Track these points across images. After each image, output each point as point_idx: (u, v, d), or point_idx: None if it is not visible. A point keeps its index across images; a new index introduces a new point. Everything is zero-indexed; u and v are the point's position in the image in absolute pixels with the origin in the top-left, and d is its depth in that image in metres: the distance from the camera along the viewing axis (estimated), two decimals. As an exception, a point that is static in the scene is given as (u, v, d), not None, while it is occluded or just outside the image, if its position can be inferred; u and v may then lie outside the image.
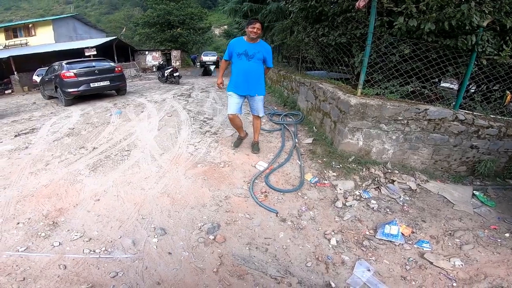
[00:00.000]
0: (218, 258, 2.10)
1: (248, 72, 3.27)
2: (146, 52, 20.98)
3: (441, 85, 4.84)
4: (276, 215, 2.61)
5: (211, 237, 2.30)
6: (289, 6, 5.11)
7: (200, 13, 25.16)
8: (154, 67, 16.90)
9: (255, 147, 3.82)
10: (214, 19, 47.37)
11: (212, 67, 17.24)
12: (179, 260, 2.07)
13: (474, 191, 3.17)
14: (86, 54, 14.04)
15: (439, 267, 2.12)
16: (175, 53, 22.10)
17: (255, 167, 3.43)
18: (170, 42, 22.96)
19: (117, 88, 8.34)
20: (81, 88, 7.31)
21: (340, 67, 4.48)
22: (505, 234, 2.58)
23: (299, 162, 3.52)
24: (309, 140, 4.10)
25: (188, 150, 3.91)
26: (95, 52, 14.38)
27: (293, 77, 5.88)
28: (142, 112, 6.19)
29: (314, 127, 4.46)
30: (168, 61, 21.11)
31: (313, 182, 3.14)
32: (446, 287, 2.00)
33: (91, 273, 1.92)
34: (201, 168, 3.40)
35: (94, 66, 7.85)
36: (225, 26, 43.10)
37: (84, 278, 1.88)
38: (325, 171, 3.33)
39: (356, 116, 3.29)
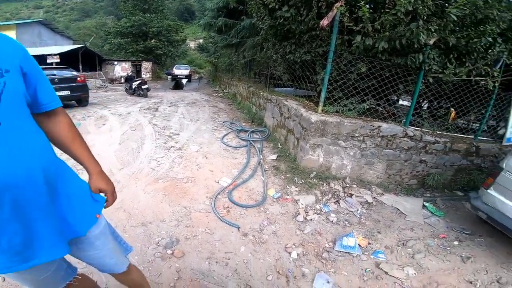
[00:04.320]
0: (176, 272, 2.04)
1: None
2: (115, 62, 20.17)
3: (400, 103, 5.23)
4: (238, 230, 2.60)
5: (169, 251, 2.24)
6: (260, 23, 5.23)
7: (176, 26, 24.98)
8: (122, 78, 16.17)
9: None
10: (190, 32, 47.43)
11: (184, 81, 17.06)
12: (133, 274, 1.97)
13: (424, 203, 3.36)
14: (48, 61, 13.19)
15: (394, 277, 2.19)
16: (146, 65, 21.56)
17: (218, 183, 3.40)
18: (143, 53, 22.42)
19: (78, 99, 7.93)
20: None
21: (306, 84, 4.65)
22: (454, 242, 2.72)
23: (262, 178, 3.55)
24: (274, 157, 4.17)
25: (150, 165, 3.78)
26: (58, 60, 13.58)
27: (261, 93, 5.99)
28: (103, 125, 5.90)
29: (279, 144, 4.54)
30: (138, 72, 20.48)
31: (275, 197, 3.16)
32: (402, 297, 2.03)
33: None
34: (162, 183, 3.30)
35: (54, 75, 7.44)
36: (201, 40, 43.32)
37: (22, 292, 1.72)
38: (288, 187, 3.38)
39: (317, 133, 3.42)
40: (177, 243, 2.35)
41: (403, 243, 2.64)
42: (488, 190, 2.65)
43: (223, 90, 11.37)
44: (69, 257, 1.57)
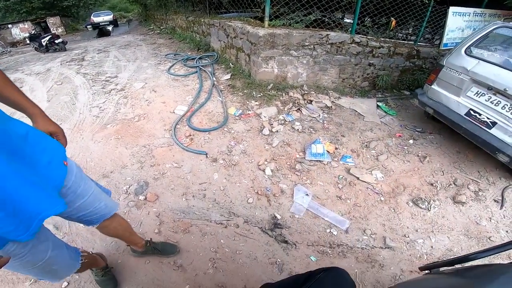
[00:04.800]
0: (156, 217, 1.91)
1: None
2: (9, 25, 16.85)
3: (345, 20, 5.25)
4: (206, 157, 2.47)
5: (141, 197, 2.06)
6: None
7: None
8: (26, 40, 13.65)
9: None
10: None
11: (110, 27, 14.75)
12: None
13: (378, 103, 3.59)
14: None
15: (365, 182, 2.26)
16: (53, 20, 18.37)
17: (174, 112, 3.17)
18: (43, 10, 18.60)
19: (-25, 66, 6.33)
20: None
21: (249, 5, 4.32)
22: (409, 141, 2.85)
23: (220, 99, 3.39)
24: (228, 76, 3.97)
25: (92, 113, 3.33)
26: None
27: (203, 20, 5.50)
28: (21, 87, 4.91)
29: (230, 64, 4.33)
30: (45, 29, 17.28)
31: (237, 115, 3.08)
32: (376, 202, 2.12)
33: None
34: (112, 128, 2.97)
35: None
36: (118, -17, 36.20)
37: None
38: (248, 102, 3.30)
39: (267, 45, 3.28)
40: (147, 186, 2.17)
41: (366, 144, 2.73)
42: (432, 86, 2.80)
43: (159, 27, 10.13)
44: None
